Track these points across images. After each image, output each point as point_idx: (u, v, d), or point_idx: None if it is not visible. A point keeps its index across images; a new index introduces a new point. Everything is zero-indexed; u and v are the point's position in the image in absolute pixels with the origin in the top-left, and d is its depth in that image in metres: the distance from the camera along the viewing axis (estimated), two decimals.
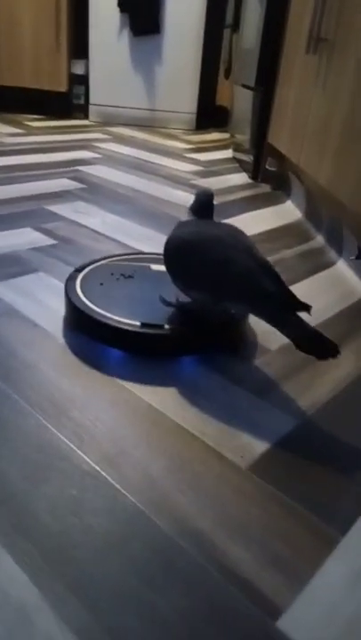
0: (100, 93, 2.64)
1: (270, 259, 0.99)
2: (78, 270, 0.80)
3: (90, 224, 1.15)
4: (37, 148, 1.89)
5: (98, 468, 0.49)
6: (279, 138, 1.50)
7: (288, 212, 1.41)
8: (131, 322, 0.67)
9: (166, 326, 0.68)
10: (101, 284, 0.77)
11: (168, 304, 0.72)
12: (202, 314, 0.70)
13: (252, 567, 0.41)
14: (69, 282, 0.76)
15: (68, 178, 1.52)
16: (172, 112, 2.70)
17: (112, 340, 0.68)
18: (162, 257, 0.71)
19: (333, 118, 1.03)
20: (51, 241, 1.03)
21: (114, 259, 0.87)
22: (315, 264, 1.05)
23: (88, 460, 0.50)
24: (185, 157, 2.03)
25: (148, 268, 0.84)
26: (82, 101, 2.70)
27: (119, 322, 0.67)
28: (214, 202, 0.72)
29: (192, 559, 0.42)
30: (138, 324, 0.67)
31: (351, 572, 0.42)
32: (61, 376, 0.62)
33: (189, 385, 0.63)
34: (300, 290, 0.92)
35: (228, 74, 2.42)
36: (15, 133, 2.15)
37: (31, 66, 2.53)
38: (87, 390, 0.60)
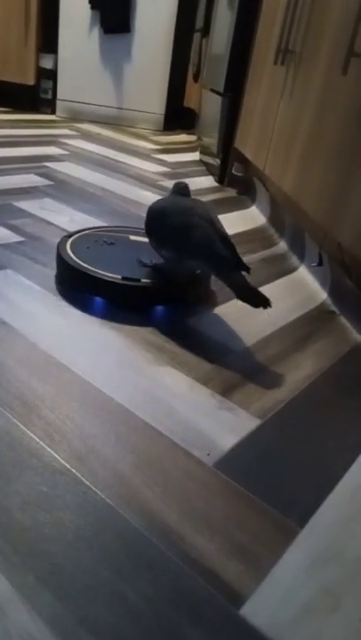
0: (68, 89, 2.62)
1: None
2: (67, 237, 0.93)
3: (58, 222, 1.15)
4: (4, 142, 1.86)
5: (68, 466, 0.50)
6: (246, 144, 1.54)
7: (253, 217, 1.46)
8: (114, 275, 0.81)
9: (142, 280, 0.82)
10: (88, 247, 0.90)
11: (144, 265, 0.86)
12: (171, 272, 0.84)
13: (216, 558, 0.44)
14: (60, 245, 0.89)
15: (36, 174, 1.51)
16: (140, 111, 2.70)
17: (98, 290, 0.82)
18: (138, 230, 0.95)
19: (298, 129, 1.07)
20: (18, 238, 1.03)
21: (97, 229, 1.00)
22: (278, 269, 1.09)
23: (58, 457, 0.51)
24: (152, 158, 2.04)
25: (127, 237, 0.99)
26: (49, 96, 2.67)
27: (104, 275, 0.81)
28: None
29: (160, 551, 0.44)
30: (119, 277, 0.81)
31: (308, 559, 0.45)
32: (31, 374, 0.63)
33: (157, 383, 0.65)
34: (263, 293, 0.96)
35: (196, 77, 2.45)
36: None
37: None
38: (57, 389, 0.61)
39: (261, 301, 0.71)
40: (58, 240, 0.92)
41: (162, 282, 0.83)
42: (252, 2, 1.53)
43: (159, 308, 0.84)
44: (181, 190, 0.90)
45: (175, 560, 0.43)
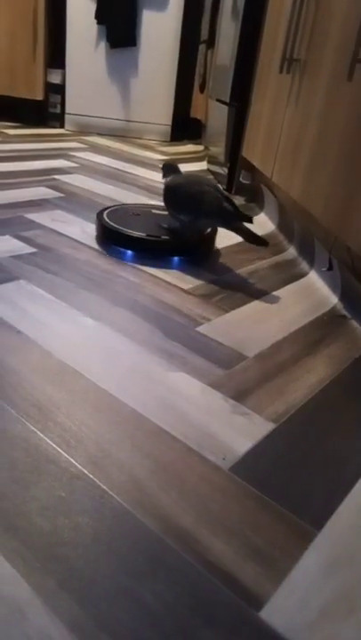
0: (76, 103, 2.66)
1: (245, 269, 1.03)
2: (103, 210, 1.20)
3: (69, 233, 1.17)
4: (14, 156, 1.89)
5: (85, 471, 0.51)
6: (253, 152, 1.55)
7: (261, 223, 1.46)
8: (140, 234, 1.08)
9: (162, 237, 1.09)
10: (120, 217, 1.16)
11: (163, 228, 1.13)
12: (185, 232, 1.10)
13: (233, 561, 0.44)
14: (99, 215, 1.17)
15: (46, 186, 1.53)
16: (148, 123, 2.74)
17: (128, 244, 1.09)
18: (158, 206, 1.24)
19: (305, 136, 1.08)
20: (30, 249, 1.04)
21: (125, 205, 1.28)
22: (288, 275, 1.10)
23: (75, 462, 0.52)
24: (161, 168, 2.06)
25: (150, 210, 1.26)
26: (58, 110, 2.71)
27: (133, 233, 1.08)
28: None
29: (177, 554, 0.44)
30: (144, 235, 1.08)
31: (325, 563, 0.45)
32: (46, 382, 0.64)
33: (170, 389, 0.66)
34: (274, 299, 0.96)
35: (202, 88, 2.47)
36: None
37: (7, 74, 2.53)
38: (72, 395, 0.62)
39: (262, 242, 0.98)
40: (69, 251, 0.94)
41: (176, 239, 1.10)
42: (256, 12, 1.55)
43: (175, 259, 1.10)
44: (175, 168, 1.18)
45: (192, 563, 0.43)
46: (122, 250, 1.09)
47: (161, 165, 1.21)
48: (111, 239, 1.11)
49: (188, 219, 1.06)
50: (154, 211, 1.25)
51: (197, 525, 0.47)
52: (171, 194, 1.09)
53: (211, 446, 0.57)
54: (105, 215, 1.16)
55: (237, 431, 0.60)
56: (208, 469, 0.53)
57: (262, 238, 0.98)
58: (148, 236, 1.07)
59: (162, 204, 1.13)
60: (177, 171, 1.17)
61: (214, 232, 1.16)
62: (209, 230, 1.13)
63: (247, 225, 0.99)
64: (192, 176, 1.12)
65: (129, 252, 1.09)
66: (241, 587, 0.42)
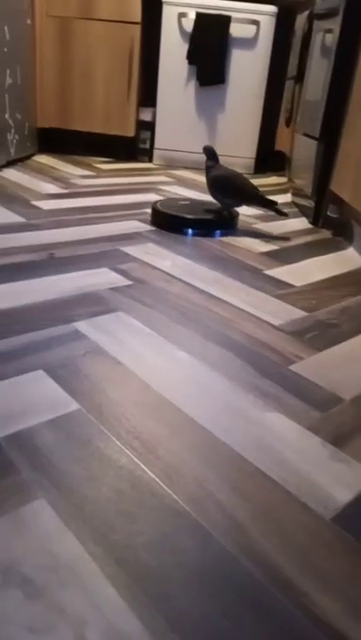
0: (164, 138, 2.78)
1: (335, 306, 1.02)
2: (156, 202, 1.63)
3: (161, 266, 1.21)
4: (107, 190, 2.01)
5: (187, 508, 0.52)
6: (343, 186, 1.53)
7: (350, 259, 1.43)
8: (191, 216, 1.53)
9: (208, 217, 1.55)
10: (173, 206, 1.62)
11: (207, 210, 1.59)
12: (223, 213, 1.59)
13: (341, 618, 0.43)
14: (154, 205, 1.61)
15: (138, 220, 1.60)
16: (233, 156, 2.79)
17: (181, 225, 1.52)
18: (203, 198, 1.78)
19: None
20: (126, 282, 1.09)
21: (176, 197, 1.88)
22: None
23: (177, 498, 0.53)
24: (203, 150, 2.08)
25: (195, 200, 1.74)
26: (147, 145, 2.84)
27: (184, 215, 1.53)
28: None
29: (281, 605, 0.43)
30: (193, 216, 1.52)
31: None
32: (146, 415, 0.66)
33: (265, 429, 0.66)
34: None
35: (288, 122, 2.49)
36: (86, 175, 2.29)
37: (103, 113, 2.70)
38: (170, 430, 0.64)
39: (283, 213, 1.58)
40: (162, 284, 0.97)
41: (218, 218, 1.56)
42: (350, 50, 1.56)
43: (218, 232, 1.54)
44: (214, 152, 1.59)
45: (298, 616, 0.42)
46: (183, 229, 1.51)
47: (203, 148, 1.60)
48: (164, 222, 1.54)
49: (232, 202, 1.59)
50: (197, 199, 1.77)
51: (302, 577, 0.46)
52: (223, 184, 1.56)
53: (311, 493, 0.56)
54: (158, 205, 1.60)
55: (337, 479, 0.58)
56: (310, 518, 0.52)
57: (283, 211, 1.58)
58: (196, 217, 1.53)
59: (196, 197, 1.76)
60: (215, 154, 1.59)
61: (237, 214, 1.64)
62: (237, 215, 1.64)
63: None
64: (231, 170, 1.60)
65: (186, 230, 1.52)
66: None
